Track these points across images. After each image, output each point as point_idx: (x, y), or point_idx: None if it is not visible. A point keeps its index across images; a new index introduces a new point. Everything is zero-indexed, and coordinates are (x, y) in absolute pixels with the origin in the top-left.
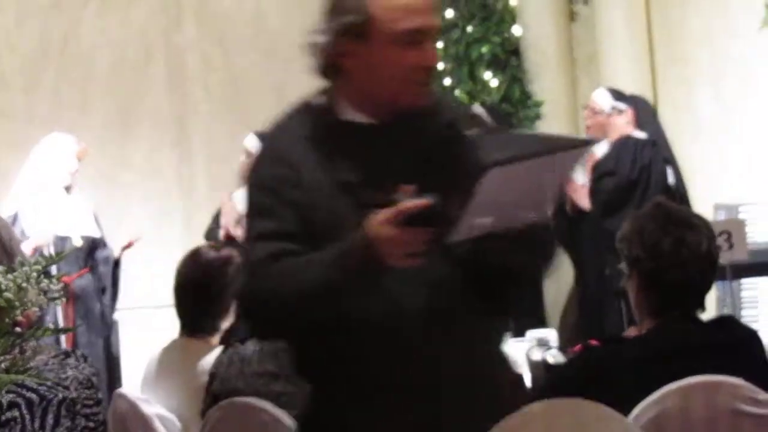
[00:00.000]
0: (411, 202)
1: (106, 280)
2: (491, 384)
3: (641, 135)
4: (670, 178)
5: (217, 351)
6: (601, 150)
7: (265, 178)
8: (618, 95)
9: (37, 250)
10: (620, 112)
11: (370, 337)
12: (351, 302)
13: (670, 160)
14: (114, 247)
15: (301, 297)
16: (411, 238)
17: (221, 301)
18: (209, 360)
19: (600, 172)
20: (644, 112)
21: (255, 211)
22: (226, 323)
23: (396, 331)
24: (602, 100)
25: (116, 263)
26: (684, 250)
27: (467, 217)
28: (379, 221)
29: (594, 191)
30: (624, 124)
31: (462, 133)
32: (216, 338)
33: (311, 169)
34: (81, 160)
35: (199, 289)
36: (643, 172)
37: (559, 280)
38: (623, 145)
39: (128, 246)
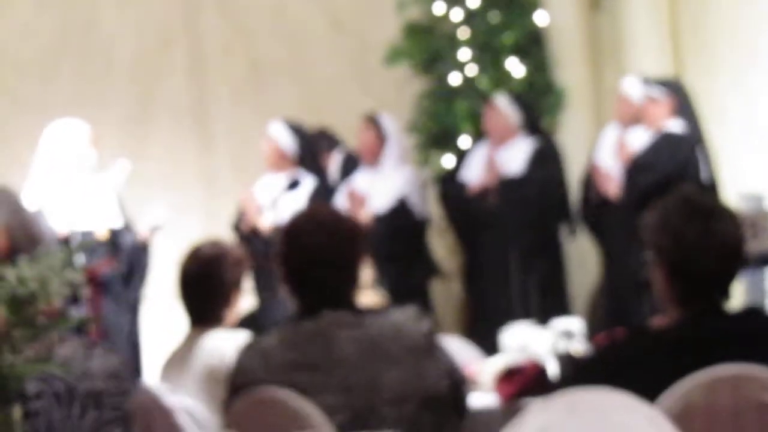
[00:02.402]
0: None
1: (135, 266)
2: None
3: (678, 126)
4: (704, 171)
5: (218, 334)
6: (636, 140)
7: None
8: (653, 83)
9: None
10: (656, 101)
11: None
12: None
13: (703, 147)
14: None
15: None
16: None
17: (221, 291)
18: (216, 345)
19: (637, 167)
20: (682, 99)
21: None
22: (229, 312)
23: None
24: (632, 89)
25: (143, 248)
26: (709, 240)
27: None
28: None
29: (628, 185)
30: (660, 115)
31: None
32: (222, 329)
33: None
34: (96, 145)
35: (198, 282)
36: (679, 169)
37: (585, 269)
38: (662, 140)
39: (151, 233)
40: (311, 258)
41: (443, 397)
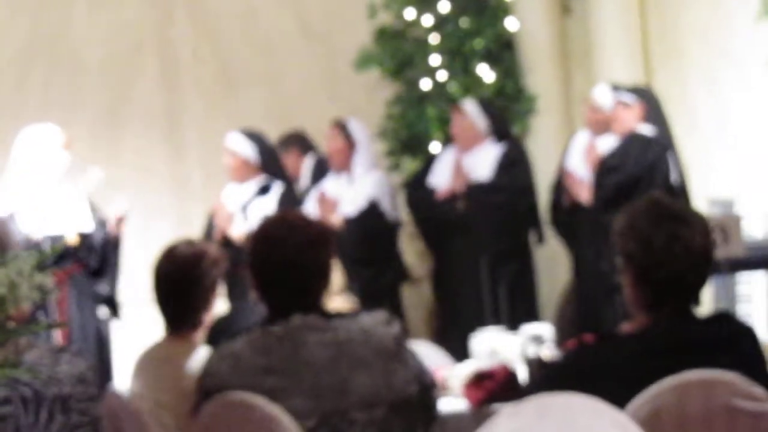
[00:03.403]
0: None
1: (106, 262)
2: None
3: (647, 130)
4: (674, 175)
5: (203, 350)
6: (605, 145)
7: None
8: (624, 89)
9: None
10: (627, 106)
11: None
12: None
13: (673, 154)
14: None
15: None
16: None
17: (199, 294)
18: (196, 358)
19: (604, 168)
20: (652, 106)
21: None
22: (208, 316)
23: None
24: (603, 97)
25: (116, 243)
26: (677, 246)
27: None
28: None
29: (597, 186)
30: (630, 119)
31: None
32: (200, 333)
33: None
34: (69, 149)
35: (175, 285)
36: (647, 170)
37: (555, 274)
38: (630, 142)
39: (119, 223)
40: (281, 262)
41: (413, 402)
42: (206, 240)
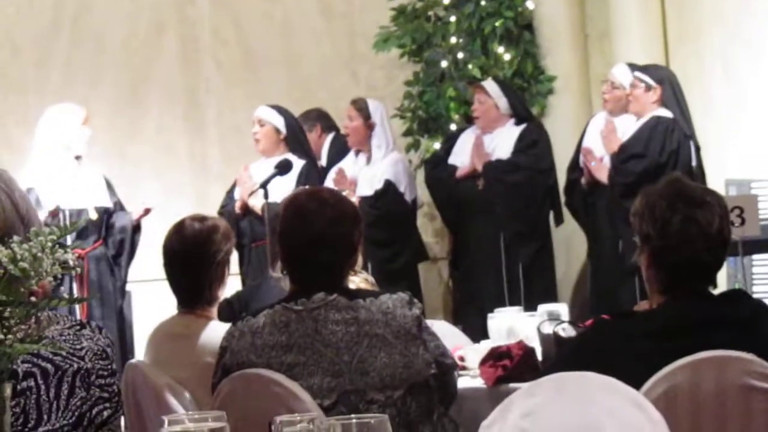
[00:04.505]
0: None
1: (124, 247)
2: None
3: (668, 114)
4: (694, 159)
5: (217, 324)
6: (624, 126)
7: None
8: (645, 70)
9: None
10: (649, 88)
11: None
12: None
13: (692, 137)
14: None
15: None
16: None
17: (212, 269)
18: (210, 334)
19: (628, 154)
20: (672, 88)
21: None
22: (222, 291)
23: None
24: (621, 74)
25: (135, 229)
26: (693, 229)
27: None
28: None
29: (618, 170)
30: (652, 102)
31: None
32: (215, 308)
33: None
34: (88, 125)
35: (187, 261)
36: (671, 156)
37: (572, 254)
38: (654, 127)
39: (145, 214)
40: (312, 236)
41: (431, 382)
42: (221, 213)
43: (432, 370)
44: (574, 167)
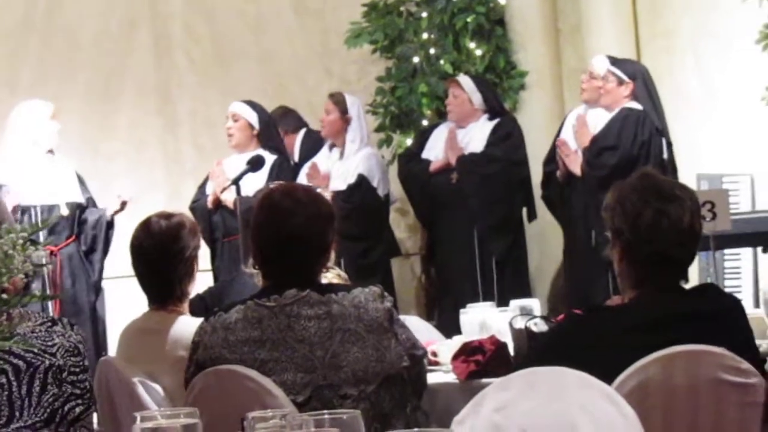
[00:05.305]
0: None
1: (97, 243)
2: None
3: (639, 107)
4: (665, 152)
5: (187, 318)
6: (596, 119)
7: None
8: (619, 63)
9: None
10: (621, 83)
11: None
12: None
13: (664, 131)
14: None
15: None
16: None
17: (180, 266)
18: (181, 328)
19: (601, 146)
20: (647, 84)
21: None
22: (191, 287)
23: None
24: (600, 65)
25: (109, 225)
26: (664, 223)
27: None
28: None
29: (591, 164)
30: (623, 96)
31: None
32: (186, 304)
33: None
34: (57, 120)
35: (156, 258)
36: (643, 148)
37: (546, 248)
38: (625, 119)
39: (122, 208)
40: (287, 238)
41: (404, 376)
42: (192, 209)
43: (405, 362)
44: (550, 160)
